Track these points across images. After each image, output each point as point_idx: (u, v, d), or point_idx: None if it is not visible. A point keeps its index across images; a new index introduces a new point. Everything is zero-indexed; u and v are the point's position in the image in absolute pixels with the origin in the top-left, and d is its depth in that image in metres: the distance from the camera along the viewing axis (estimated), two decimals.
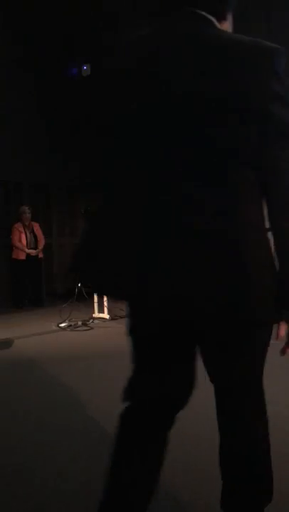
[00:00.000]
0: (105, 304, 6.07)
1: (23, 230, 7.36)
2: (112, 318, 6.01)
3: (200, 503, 1.78)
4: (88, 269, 1.19)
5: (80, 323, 5.72)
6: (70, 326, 5.61)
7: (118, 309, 6.44)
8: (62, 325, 5.61)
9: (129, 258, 1.08)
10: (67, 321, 5.73)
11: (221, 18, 1.17)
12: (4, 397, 3.16)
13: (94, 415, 2.70)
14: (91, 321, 5.88)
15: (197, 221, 1.04)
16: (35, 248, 7.45)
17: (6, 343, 4.75)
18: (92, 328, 5.50)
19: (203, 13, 1.13)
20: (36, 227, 7.57)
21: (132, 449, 1.25)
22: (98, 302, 6.19)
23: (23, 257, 7.32)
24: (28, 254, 7.32)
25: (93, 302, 6.22)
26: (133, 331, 1.26)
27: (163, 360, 1.22)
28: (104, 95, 1.23)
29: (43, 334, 5.24)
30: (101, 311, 6.11)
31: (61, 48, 8.03)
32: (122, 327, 5.51)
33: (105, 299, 6.07)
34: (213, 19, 1.14)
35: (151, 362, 1.24)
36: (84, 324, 5.69)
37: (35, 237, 7.51)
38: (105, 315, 6.06)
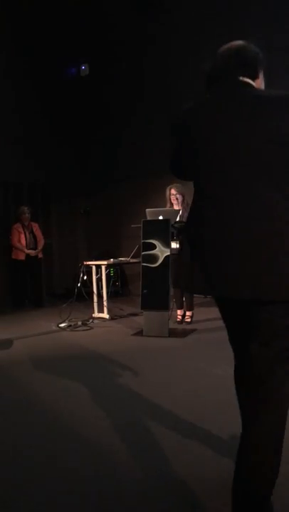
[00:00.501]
0: (105, 303, 6.08)
1: (22, 231, 7.36)
2: (111, 318, 6.02)
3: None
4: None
5: (79, 323, 5.73)
6: (70, 326, 5.61)
7: (118, 309, 6.46)
8: (62, 325, 5.62)
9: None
10: (67, 321, 5.73)
11: (256, 78, 1.63)
12: (4, 396, 3.18)
13: (94, 414, 2.71)
14: (91, 321, 5.89)
15: (277, 226, 1.39)
16: (35, 248, 7.45)
17: (6, 343, 4.76)
18: (92, 328, 5.50)
19: (242, 78, 1.59)
20: (36, 227, 7.58)
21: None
22: (98, 302, 6.20)
23: (22, 257, 7.32)
24: (27, 255, 7.33)
25: (93, 302, 6.23)
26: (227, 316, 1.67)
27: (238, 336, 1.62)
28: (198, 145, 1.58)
29: (43, 334, 5.25)
30: (101, 311, 6.12)
31: (60, 48, 8.03)
32: (121, 327, 5.49)
33: (105, 298, 6.09)
34: (251, 81, 1.61)
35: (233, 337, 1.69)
36: (84, 324, 5.69)
37: (34, 237, 7.51)
38: (105, 315, 6.06)
